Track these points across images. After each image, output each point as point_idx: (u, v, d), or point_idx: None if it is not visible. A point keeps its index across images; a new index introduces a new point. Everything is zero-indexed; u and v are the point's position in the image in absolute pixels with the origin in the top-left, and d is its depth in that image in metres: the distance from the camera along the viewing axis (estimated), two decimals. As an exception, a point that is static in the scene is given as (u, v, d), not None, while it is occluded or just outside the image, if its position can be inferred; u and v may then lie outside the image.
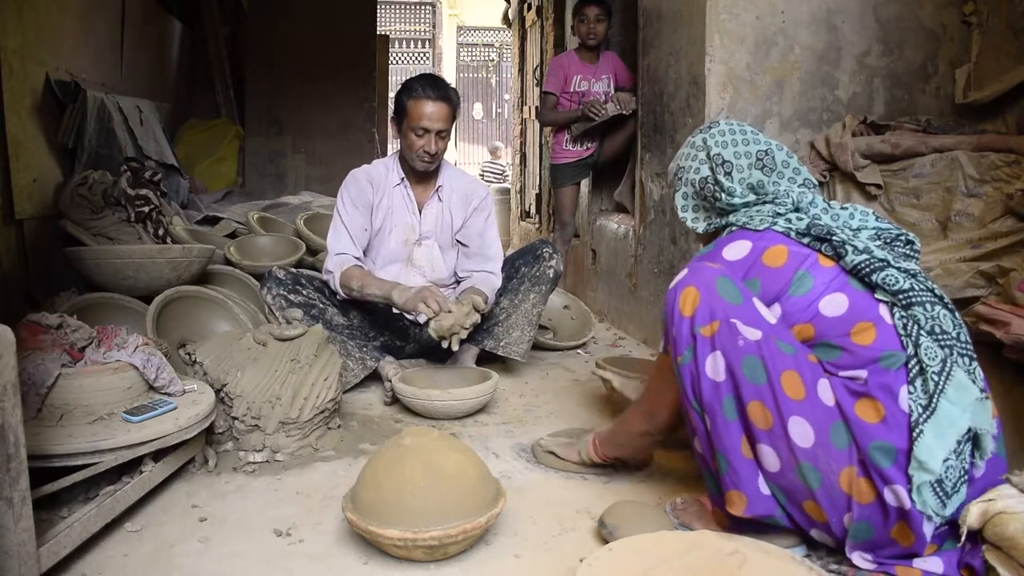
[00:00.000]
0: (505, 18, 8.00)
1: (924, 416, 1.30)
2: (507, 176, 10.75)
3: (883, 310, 1.40)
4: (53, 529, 1.41)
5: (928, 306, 1.37)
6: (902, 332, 1.36)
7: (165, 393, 1.84)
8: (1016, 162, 2.25)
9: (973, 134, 2.47)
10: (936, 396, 1.30)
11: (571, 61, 4.03)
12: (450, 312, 2.39)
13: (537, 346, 3.09)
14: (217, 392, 1.99)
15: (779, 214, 1.54)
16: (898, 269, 1.41)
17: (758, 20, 2.75)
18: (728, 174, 1.64)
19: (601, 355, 2.83)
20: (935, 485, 1.28)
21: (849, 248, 1.43)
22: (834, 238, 1.45)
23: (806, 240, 1.48)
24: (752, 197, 1.62)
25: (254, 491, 1.83)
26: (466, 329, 2.41)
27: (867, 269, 1.41)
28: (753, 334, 1.38)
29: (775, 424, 1.35)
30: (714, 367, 1.39)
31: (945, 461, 1.28)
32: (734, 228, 1.59)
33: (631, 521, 1.54)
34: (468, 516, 1.47)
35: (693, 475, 1.92)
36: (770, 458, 1.37)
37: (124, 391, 1.75)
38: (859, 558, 1.37)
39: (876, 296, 1.41)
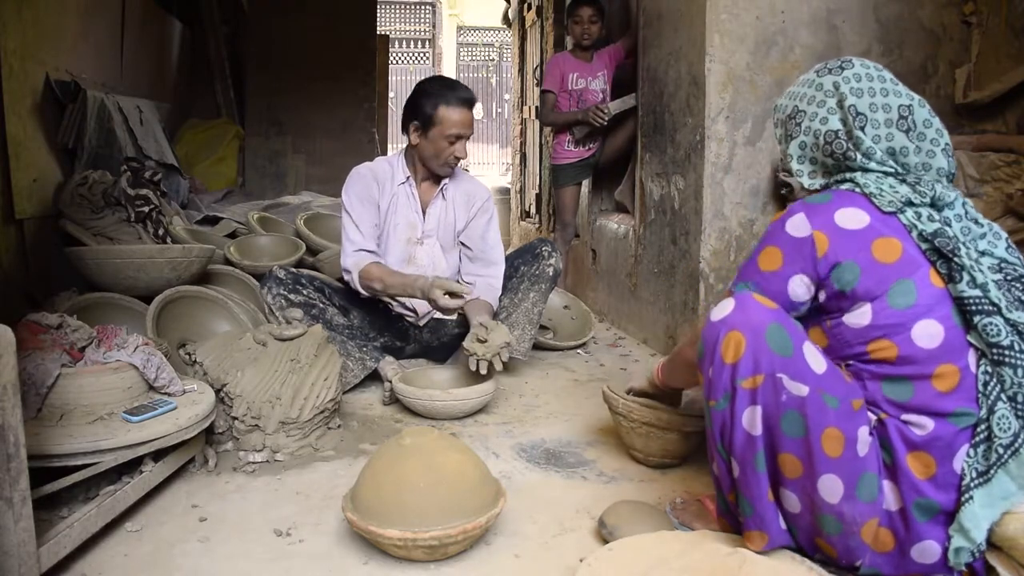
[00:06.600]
0: (505, 18, 7.99)
1: (977, 482, 1.24)
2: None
3: (971, 357, 1.28)
4: (53, 529, 1.41)
5: (1020, 371, 1.25)
6: (981, 390, 1.26)
7: (165, 393, 1.84)
8: (1016, 162, 2.25)
9: (973, 134, 2.47)
10: (996, 467, 1.23)
11: (566, 60, 4.08)
12: (484, 342, 2.38)
13: (537, 346, 3.09)
14: (217, 392, 2.00)
15: (912, 203, 1.34)
16: (1006, 320, 1.26)
17: (758, 20, 2.75)
18: (862, 128, 1.40)
19: (609, 376, 2.83)
20: (975, 552, 1.25)
21: (966, 276, 1.27)
22: (955, 259, 1.28)
23: (925, 246, 1.31)
24: (891, 166, 1.39)
25: (254, 491, 1.83)
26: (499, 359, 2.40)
27: (973, 308, 1.26)
28: (800, 390, 1.28)
29: (804, 476, 1.30)
30: (751, 420, 1.31)
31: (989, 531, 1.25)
32: (857, 190, 1.38)
33: (631, 521, 1.54)
34: (468, 516, 1.47)
35: (693, 475, 1.93)
36: (792, 502, 1.34)
37: (124, 391, 1.75)
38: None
39: (968, 338, 1.28)
